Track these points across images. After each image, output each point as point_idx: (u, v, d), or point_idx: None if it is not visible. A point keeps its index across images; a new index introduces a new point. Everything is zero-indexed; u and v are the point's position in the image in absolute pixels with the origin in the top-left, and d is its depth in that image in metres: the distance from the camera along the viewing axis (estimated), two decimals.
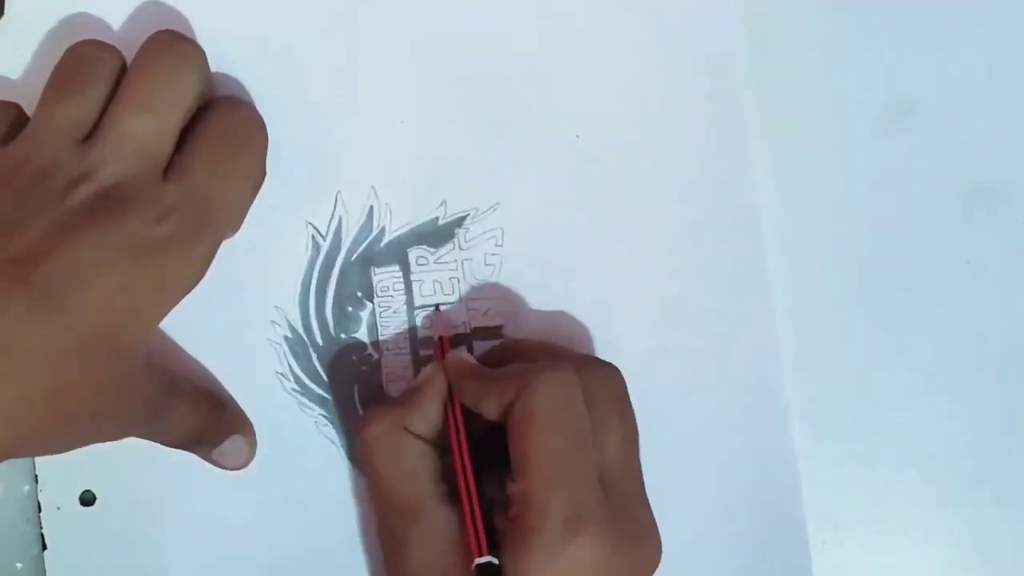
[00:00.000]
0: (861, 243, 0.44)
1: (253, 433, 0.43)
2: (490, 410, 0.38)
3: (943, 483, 0.44)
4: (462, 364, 0.40)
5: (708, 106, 0.43)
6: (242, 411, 0.43)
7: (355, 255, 0.43)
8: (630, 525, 0.36)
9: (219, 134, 0.38)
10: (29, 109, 0.38)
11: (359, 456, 0.39)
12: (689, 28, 0.43)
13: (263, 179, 0.40)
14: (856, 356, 0.44)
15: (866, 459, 0.44)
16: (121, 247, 0.35)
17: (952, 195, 0.44)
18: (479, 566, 0.35)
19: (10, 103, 0.39)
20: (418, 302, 0.43)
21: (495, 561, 0.35)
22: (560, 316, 0.43)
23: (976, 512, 0.44)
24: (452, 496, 0.37)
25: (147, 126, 0.37)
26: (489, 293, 0.43)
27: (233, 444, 0.42)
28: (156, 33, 0.38)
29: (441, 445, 0.39)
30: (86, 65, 0.38)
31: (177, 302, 0.37)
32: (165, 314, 0.37)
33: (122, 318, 0.35)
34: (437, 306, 0.43)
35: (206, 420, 0.41)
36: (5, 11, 0.41)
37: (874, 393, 0.44)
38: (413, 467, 0.38)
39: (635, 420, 0.39)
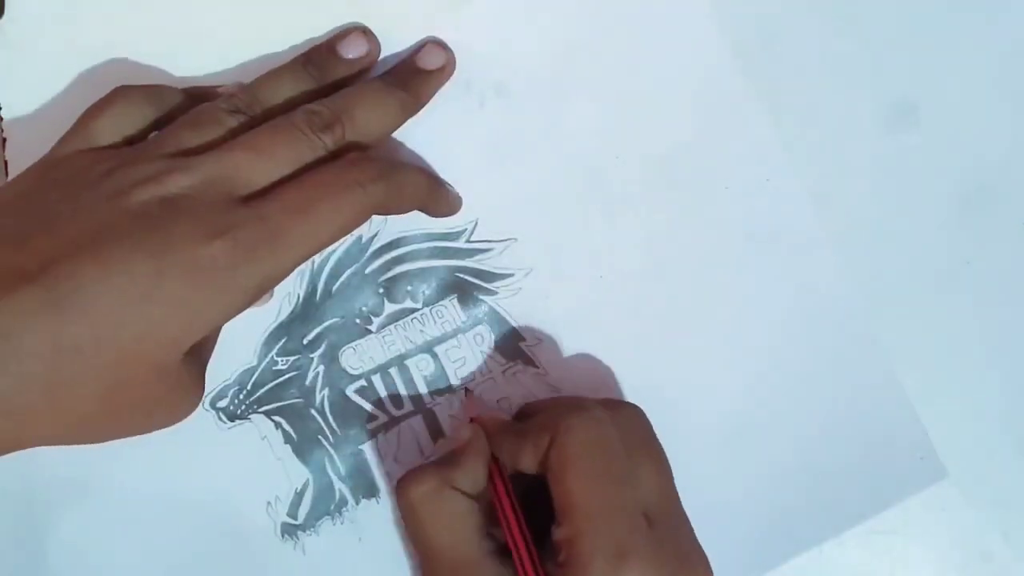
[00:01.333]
0: (862, 242, 0.44)
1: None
2: (528, 463, 0.38)
3: (943, 483, 0.44)
4: (496, 422, 0.40)
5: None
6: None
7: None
8: (677, 553, 0.37)
9: (320, 181, 0.37)
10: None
11: (403, 515, 0.38)
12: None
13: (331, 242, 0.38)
14: (856, 356, 0.44)
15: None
16: (154, 257, 0.34)
17: (952, 195, 0.44)
18: None
19: (146, 111, 0.39)
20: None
21: None
22: (585, 359, 0.43)
23: (976, 511, 0.44)
24: (499, 551, 0.38)
25: (252, 163, 0.36)
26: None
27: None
28: (305, 110, 0.38)
29: (484, 502, 0.39)
30: (214, 115, 0.38)
31: (212, 327, 0.35)
32: (200, 336, 0.35)
33: (139, 330, 0.34)
34: (467, 389, 0.43)
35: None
36: (5, 12, 0.41)
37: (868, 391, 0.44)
38: (462, 524, 0.38)
39: (665, 454, 0.39)
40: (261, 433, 0.42)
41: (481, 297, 0.43)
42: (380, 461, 0.43)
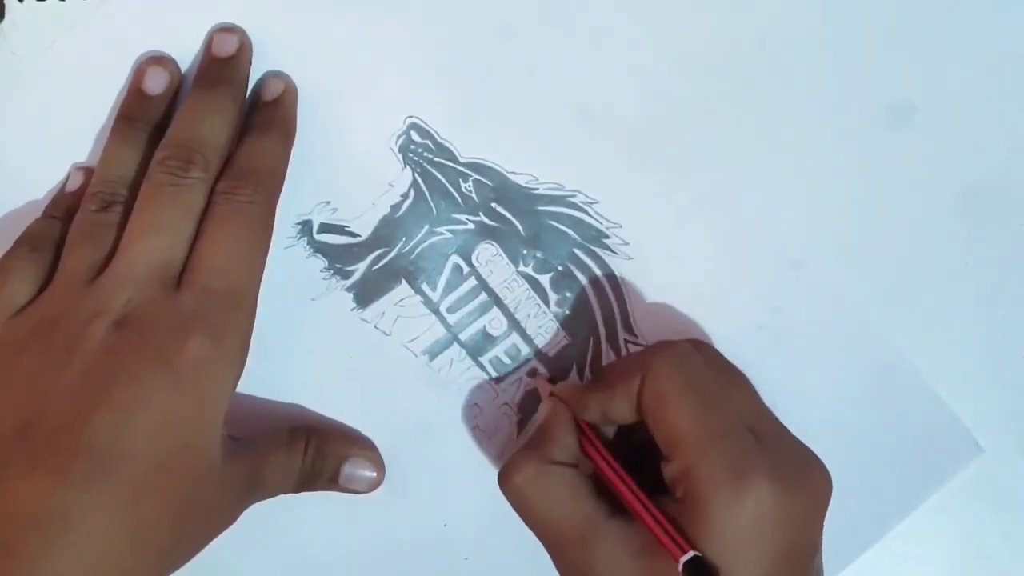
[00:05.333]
0: (862, 242, 0.44)
1: (370, 449, 0.44)
2: (621, 412, 0.39)
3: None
4: (574, 387, 0.41)
5: None
6: (352, 431, 0.44)
7: None
8: (792, 461, 0.37)
9: (222, 224, 0.38)
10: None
11: (513, 504, 0.39)
12: None
13: (272, 228, 0.40)
14: (855, 356, 0.44)
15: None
16: (155, 377, 0.35)
17: (952, 195, 0.44)
18: (686, 564, 0.35)
19: (42, 257, 0.39)
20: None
21: (699, 553, 0.35)
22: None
23: (976, 512, 0.44)
24: (615, 511, 0.38)
25: (157, 243, 0.37)
26: None
27: (353, 470, 0.43)
28: (156, 163, 0.39)
29: (584, 468, 0.39)
30: (97, 220, 0.39)
31: (231, 394, 0.37)
32: (223, 412, 0.37)
33: (181, 440, 0.36)
34: (534, 370, 0.44)
35: (311, 460, 0.41)
36: (6, 14, 0.41)
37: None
38: (572, 494, 0.38)
39: (745, 376, 0.40)
40: (393, 180, 0.43)
41: (575, 369, 0.44)
42: (393, 305, 0.44)
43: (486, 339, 0.44)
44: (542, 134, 0.43)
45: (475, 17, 0.42)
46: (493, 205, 0.43)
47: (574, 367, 0.44)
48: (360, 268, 0.44)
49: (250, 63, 0.42)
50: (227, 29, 0.41)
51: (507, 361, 0.44)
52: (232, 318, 0.37)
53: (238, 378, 0.38)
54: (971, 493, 0.44)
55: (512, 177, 0.43)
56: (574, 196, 0.43)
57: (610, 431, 0.41)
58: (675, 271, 0.44)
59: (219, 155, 0.40)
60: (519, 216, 0.43)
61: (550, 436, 0.39)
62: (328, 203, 0.43)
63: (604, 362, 0.44)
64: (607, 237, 0.43)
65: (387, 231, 0.43)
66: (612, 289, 0.44)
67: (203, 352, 0.36)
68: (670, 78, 0.43)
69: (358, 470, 0.43)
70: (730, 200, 0.44)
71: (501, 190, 0.43)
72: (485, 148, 0.43)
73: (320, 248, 0.44)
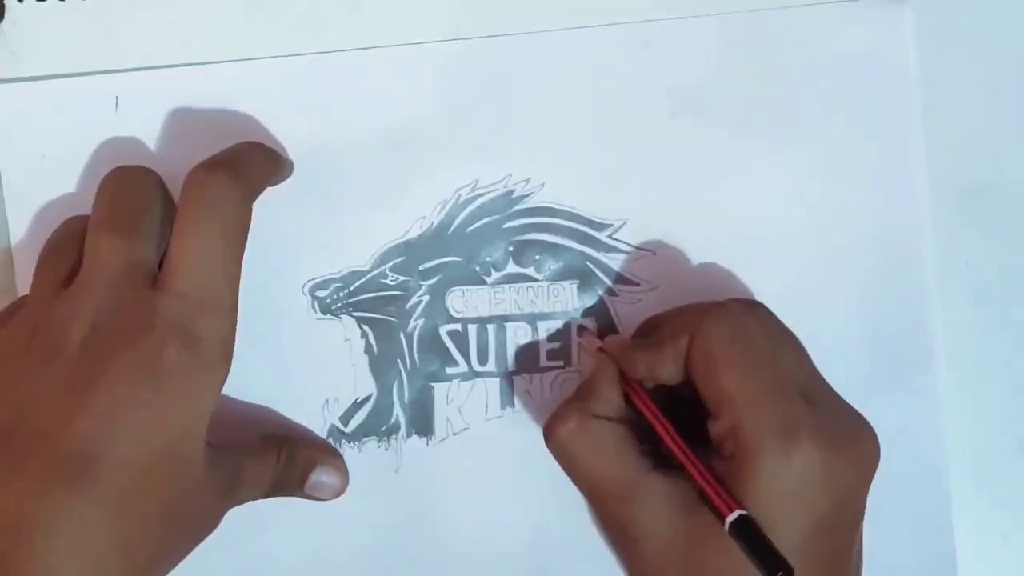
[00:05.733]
0: (862, 242, 0.44)
1: (336, 457, 0.43)
2: (668, 370, 0.38)
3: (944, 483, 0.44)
4: (622, 342, 0.41)
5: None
6: (319, 439, 0.43)
7: None
8: (840, 423, 0.37)
9: (190, 223, 0.37)
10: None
11: (558, 458, 0.39)
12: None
13: (247, 228, 0.38)
14: (856, 355, 0.44)
15: None
16: (137, 383, 0.34)
17: (952, 195, 0.44)
18: (733, 523, 0.35)
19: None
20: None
21: (745, 512, 0.35)
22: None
23: (976, 512, 0.45)
24: (659, 466, 0.38)
25: (117, 243, 0.36)
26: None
27: (319, 478, 0.42)
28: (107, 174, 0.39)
29: (629, 423, 0.39)
30: (65, 236, 0.39)
31: (215, 401, 0.36)
32: (207, 420, 0.36)
33: (165, 447, 0.34)
34: (581, 326, 0.44)
35: (283, 467, 0.41)
36: (6, 14, 0.41)
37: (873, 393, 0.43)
38: (616, 448, 0.38)
39: (796, 337, 0.39)
40: (346, 335, 0.43)
41: (600, 293, 0.44)
42: (445, 406, 0.43)
43: (528, 348, 0.44)
44: (391, 189, 0.43)
45: None
46: (422, 268, 0.43)
47: (602, 294, 0.44)
48: (397, 413, 0.44)
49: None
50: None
51: (557, 344, 0.44)
52: (209, 325, 0.36)
53: (221, 385, 0.36)
54: (971, 493, 0.44)
55: (409, 236, 0.43)
56: (459, 197, 0.43)
57: (650, 387, 0.40)
58: (577, 168, 0.44)
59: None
60: (445, 253, 0.43)
61: (595, 391, 0.39)
62: (327, 400, 0.44)
63: (615, 267, 0.44)
64: (512, 192, 0.43)
65: (383, 369, 0.44)
66: (556, 215, 0.44)
67: (183, 360, 0.35)
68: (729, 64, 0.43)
69: (323, 477, 0.42)
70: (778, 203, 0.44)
71: (414, 253, 0.43)
72: (372, 242, 0.44)
73: (360, 434, 0.44)
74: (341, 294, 0.43)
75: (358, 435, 0.43)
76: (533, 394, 0.44)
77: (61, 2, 0.41)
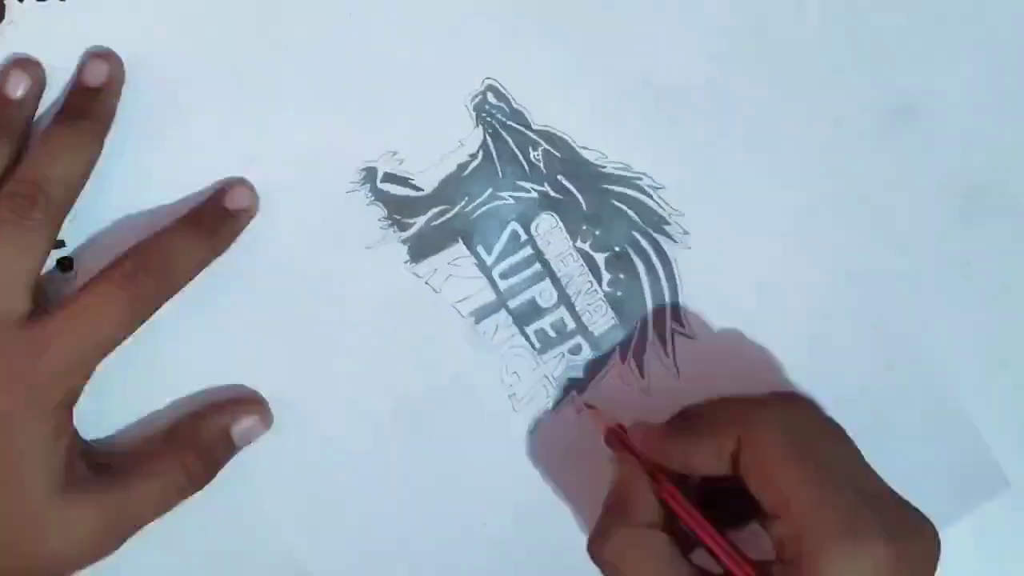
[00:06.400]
0: (862, 242, 0.44)
1: (241, 402, 0.43)
2: (708, 465, 0.38)
3: None
4: (648, 432, 0.40)
5: None
6: (224, 396, 0.42)
7: None
8: (902, 519, 0.37)
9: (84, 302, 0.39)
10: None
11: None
12: None
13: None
14: (854, 356, 0.45)
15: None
16: None
17: (952, 195, 0.44)
18: None
19: None
20: None
21: None
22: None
23: (976, 512, 0.45)
24: (704, 570, 0.37)
25: None
26: None
27: (238, 430, 0.42)
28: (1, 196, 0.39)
29: (672, 527, 0.38)
30: None
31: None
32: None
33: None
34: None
35: (193, 457, 0.41)
36: (6, 15, 0.40)
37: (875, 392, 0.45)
38: (666, 558, 0.37)
39: (845, 431, 0.40)
40: (463, 139, 0.43)
41: (618, 353, 0.45)
42: (446, 263, 0.43)
43: (534, 309, 0.44)
44: (617, 112, 0.43)
45: None
46: (559, 177, 0.44)
47: (616, 350, 0.45)
48: (418, 222, 0.43)
49: (119, 95, 0.40)
50: (100, 55, 0.40)
51: (552, 334, 0.44)
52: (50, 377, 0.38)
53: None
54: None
55: (582, 152, 0.44)
56: (640, 179, 0.44)
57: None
58: (731, 266, 0.44)
59: (69, 194, 0.39)
60: (584, 192, 0.44)
61: (629, 498, 0.39)
62: (395, 153, 0.43)
63: (646, 349, 0.45)
64: (668, 224, 0.44)
65: (450, 189, 0.43)
66: (667, 277, 0.45)
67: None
68: (744, 70, 0.43)
69: (241, 426, 0.42)
70: (792, 205, 0.44)
71: (569, 163, 0.44)
72: (559, 118, 0.43)
73: (382, 197, 0.43)
74: (499, 115, 0.43)
75: (378, 195, 0.43)
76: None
77: (61, 1, 0.40)
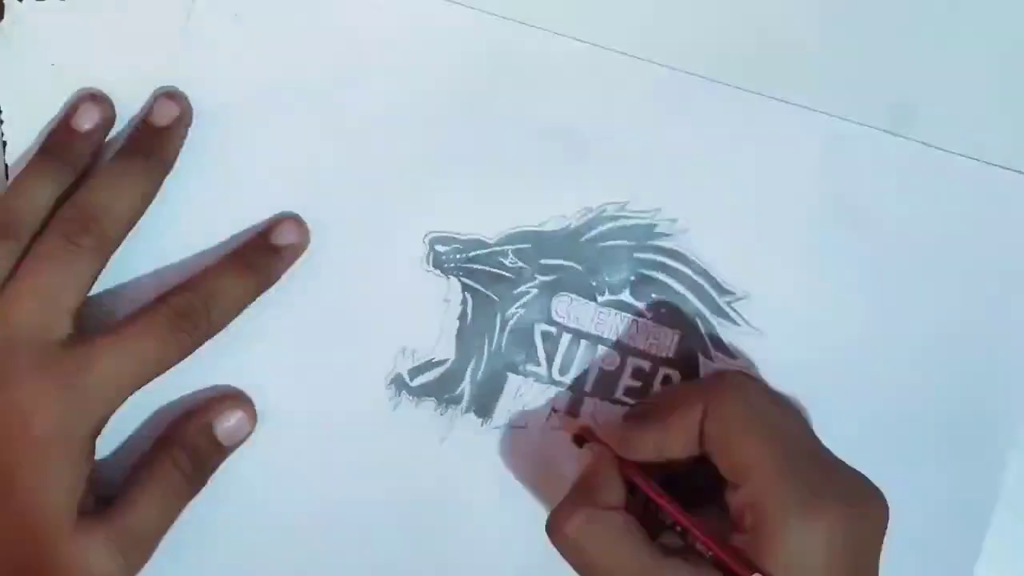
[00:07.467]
0: (861, 242, 0.44)
1: (223, 399, 0.43)
2: (679, 445, 0.39)
3: None
4: (614, 427, 0.41)
5: None
6: (203, 400, 0.43)
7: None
8: (855, 489, 0.37)
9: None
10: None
11: (565, 554, 0.38)
12: None
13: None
14: (856, 357, 0.44)
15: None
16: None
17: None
18: None
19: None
20: None
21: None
22: None
23: None
24: (671, 550, 0.37)
25: (34, 308, 0.39)
26: None
27: (221, 428, 0.42)
28: (55, 221, 0.40)
29: (635, 510, 0.39)
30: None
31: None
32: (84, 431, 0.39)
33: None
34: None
35: (186, 459, 0.41)
36: (6, 14, 0.41)
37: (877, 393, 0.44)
38: (626, 539, 0.37)
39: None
40: (447, 296, 0.44)
41: (697, 352, 0.44)
42: (512, 398, 0.44)
43: (609, 376, 0.44)
44: (544, 177, 0.43)
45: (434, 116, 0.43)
46: (542, 262, 0.44)
47: (699, 355, 0.44)
48: (465, 386, 0.44)
49: (185, 136, 0.42)
50: (170, 95, 0.42)
51: (639, 384, 0.44)
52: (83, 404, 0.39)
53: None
54: None
55: (543, 228, 0.44)
56: (604, 210, 0.44)
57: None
58: (726, 227, 0.44)
59: (121, 227, 0.40)
60: (570, 257, 0.44)
61: (597, 481, 0.39)
62: (404, 349, 0.44)
63: (721, 334, 0.44)
64: (655, 226, 0.44)
65: (469, 340, 0.44)
66: (687, 265, 0.44)
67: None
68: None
69: (224, 425, 0.42)
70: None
71: (541, 245, 0.44)
72: (505, 219, 0.44)
73: (422, 391, 0.44)
74: (458, 256, 0.43)
75: (420, 392, 0.44)
76: (599, 419, 0.44)
77: (61, 1, 0.41)
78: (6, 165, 0.43)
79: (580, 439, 0.43)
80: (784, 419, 0.38)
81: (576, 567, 0.38)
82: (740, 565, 0.35)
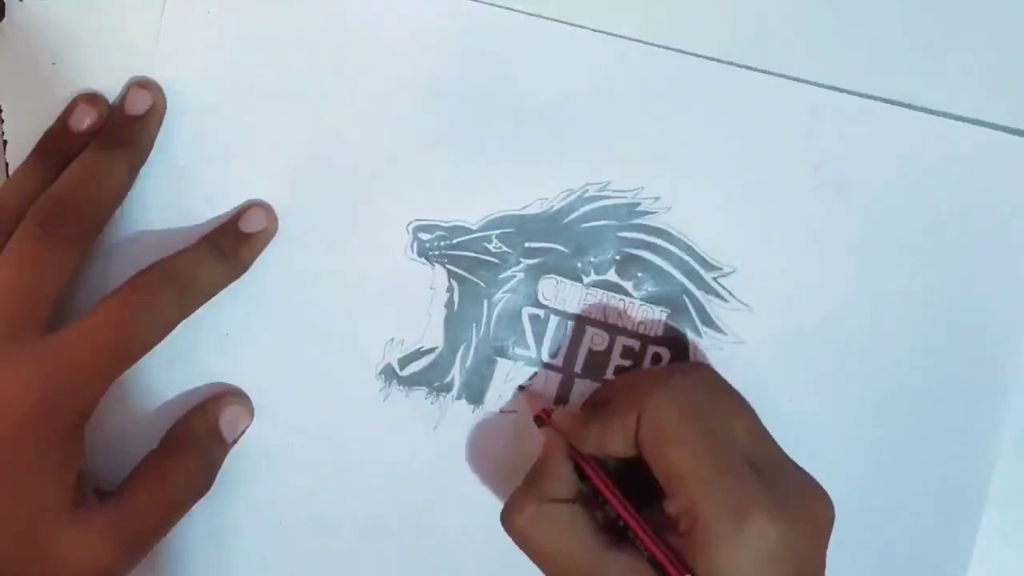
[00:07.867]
0: (862, 243, 0.44)
1: (224, 395, 0.43)
2: (617, 447, 0.39)
3: None
4: (570, 417, 0.41)
5: None
6: (205, 400, 0.43)
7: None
8: (793, 492, 0.37)
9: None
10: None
11: (518, 544, 0.39)
12: None
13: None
14: (855, 357, 0.44)
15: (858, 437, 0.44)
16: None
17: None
18: None
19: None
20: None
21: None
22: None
23: None
24: (614, 543, 0.38)
25: (10, 299, 0.38)
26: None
27: (224, 424, 0.43)
28: (32, 211, 0.40)
29: (585, 502, 0.39)
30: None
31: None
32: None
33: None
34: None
35: (197, 457, 0.42)
36: (6, 14, 0.42)
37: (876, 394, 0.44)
38: (573, 531, 0.38)
39: (745, 399, 0.39)
40: (433, 284, 0.44)
41: (687, 330, 0.44)
42: (502, 382, 0.44)
43: (599, 357, 0.44)
44: (524, 161, 0.43)
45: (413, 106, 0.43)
46: (527, 245, 0.44)
47: (688, 332, 0.44)
48: (455, 373, 0.44)
49: (160, 124, 0.42)
50: (143, 84, 0.42)
51: (629, 363, 0.44)
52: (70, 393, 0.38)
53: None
54: None
55: (526, 211, 0.43)
56: (586, 191, 0.43)
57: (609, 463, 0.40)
58: (711, 203, 0.44)
59: (98, 217, 0.40)
60: (554, 239, 0.44)
61: (548, 473, 0.39)
62: (392, 339, 0.44)
63: (709, 310, 0.44)
64: (638, 205, 0.43)
65: (456, 327, 0.44)
66: (672, 242, 0.44)
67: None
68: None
69: (227, 420, 0.43)
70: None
71: (524, 228, 0.43)
72: (488, 205, 0.43)
73: (412, 381, 0.44)
74: (442, 243, 0.43)
75: (410, 382, 0.44)
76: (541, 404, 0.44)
77: (61, 1, 0.41)
78: (6, 164, 0.43)
79: (540, 420, 0.42)
80: (723, 419, 0.38)
81: (528, 555, 0.39)
82: (673, 566, 0.36)
